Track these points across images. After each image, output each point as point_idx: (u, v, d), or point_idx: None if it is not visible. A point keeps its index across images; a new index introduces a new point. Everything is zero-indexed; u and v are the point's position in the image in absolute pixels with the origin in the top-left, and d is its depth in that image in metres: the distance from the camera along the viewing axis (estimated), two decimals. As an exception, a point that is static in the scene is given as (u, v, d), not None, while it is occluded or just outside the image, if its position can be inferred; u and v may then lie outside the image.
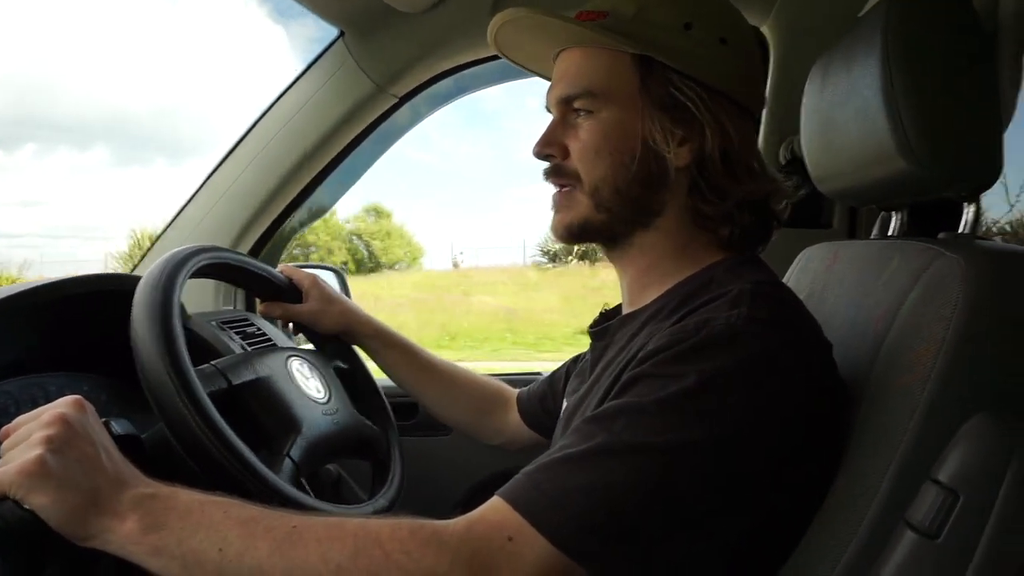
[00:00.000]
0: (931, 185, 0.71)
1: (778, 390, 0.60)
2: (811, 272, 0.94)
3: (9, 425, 0.66)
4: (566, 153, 0.76)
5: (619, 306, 0.86)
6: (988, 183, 0.71)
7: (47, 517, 0.60)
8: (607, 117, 0.73)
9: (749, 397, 0.59)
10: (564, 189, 0.77)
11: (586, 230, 0.76)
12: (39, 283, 1.01)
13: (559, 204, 0.78)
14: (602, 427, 0.60)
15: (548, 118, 0.78)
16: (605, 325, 0.82)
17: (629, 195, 0.73)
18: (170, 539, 0.59)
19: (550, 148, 0.76)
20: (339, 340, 1.11)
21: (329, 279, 1.46)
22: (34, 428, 0.63)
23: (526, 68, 0.86)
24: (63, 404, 0.66)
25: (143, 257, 1.49)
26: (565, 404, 0.87)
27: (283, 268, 1.10)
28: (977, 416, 0.54)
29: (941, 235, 0.75)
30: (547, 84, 0.80)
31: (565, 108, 0.76)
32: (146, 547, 0.59)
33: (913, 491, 0.53)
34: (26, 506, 0.60)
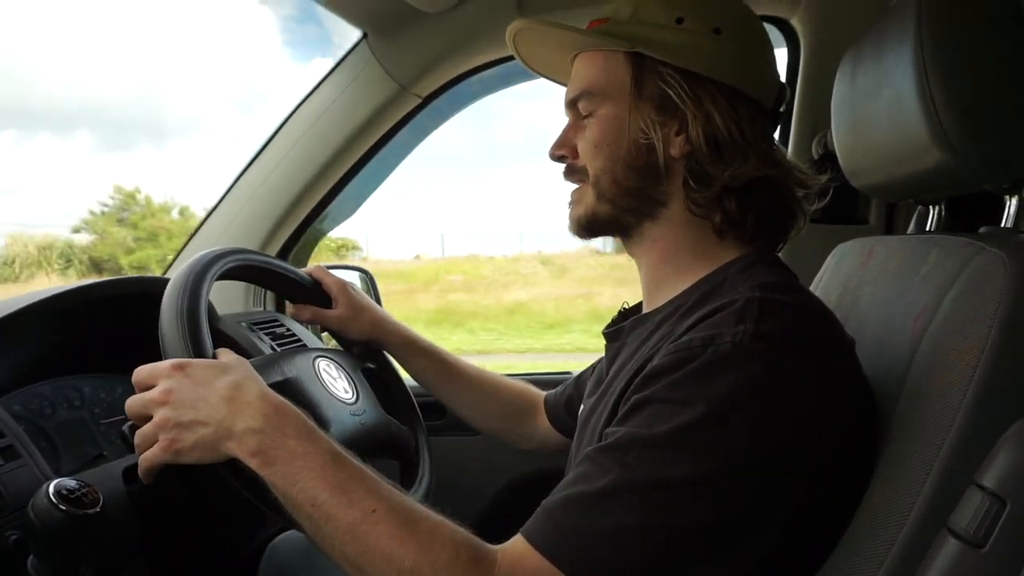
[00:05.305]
0: (970, 177, 0.68)
1: (794, 407, 0.59)
2: (845, 269, 0.91)
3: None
4: (576, 153, 0.79)
5: (638, 305, 0.86)
6: (1031, 174, 0.68)
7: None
8: (604, 114, 0.76)
9: (762, 420, 0.58)
10: (576, 187, 0.81)
11: (594, 222, 0.79)
12: (68, 287, 1.03)
13: (571, 201, 0.81)
14: (616, 460, 0.60)
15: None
16: (619, 327, 0.83)
17: (627, 185, 0.76)
18: (277, 479, 0.66)
19: (562, 150, 0.81)
20: (368, 344, 1.11)
21: (357, 280, 1.47)
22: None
23: (544, 75, 0.90)
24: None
25: (174, 259, 1.51)
26: (582, 407, 0.87)
27: (311, 270, 1.10)
28: None
29: (982, 229, 0.72)
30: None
31: (574, 111, 0.80)
32: (266, 476, 0.66)
33: (956, 496, 0.51)
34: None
